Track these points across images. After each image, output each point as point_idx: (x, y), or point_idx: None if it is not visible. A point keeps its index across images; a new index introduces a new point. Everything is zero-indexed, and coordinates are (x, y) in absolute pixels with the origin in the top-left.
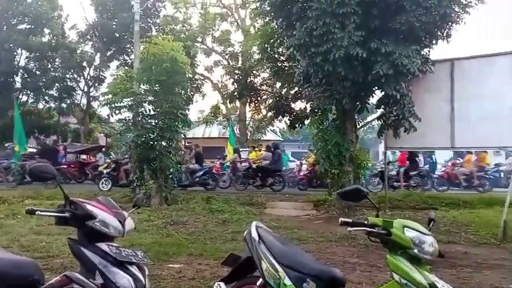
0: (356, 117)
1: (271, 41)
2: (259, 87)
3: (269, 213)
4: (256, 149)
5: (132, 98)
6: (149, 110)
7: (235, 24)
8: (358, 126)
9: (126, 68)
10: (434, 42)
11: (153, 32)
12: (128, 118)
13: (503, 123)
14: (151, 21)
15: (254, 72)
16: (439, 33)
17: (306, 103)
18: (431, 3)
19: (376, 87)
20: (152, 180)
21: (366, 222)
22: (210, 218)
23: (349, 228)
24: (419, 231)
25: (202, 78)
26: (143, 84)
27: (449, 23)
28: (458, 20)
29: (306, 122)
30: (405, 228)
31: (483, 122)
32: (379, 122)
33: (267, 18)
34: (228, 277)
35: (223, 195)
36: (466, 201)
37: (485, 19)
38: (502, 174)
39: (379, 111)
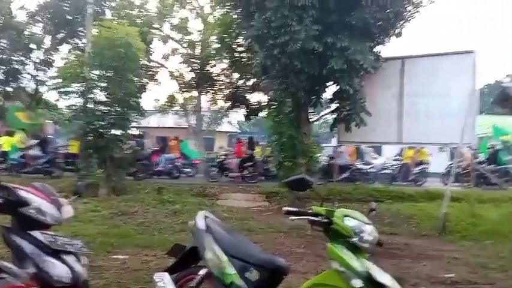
0: (311, 111)
1: (230, 31)
2: (216, 78)
3: (221, 204)
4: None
5: (82, 84)
6: (101, 97)
7: (195, 12)
8: (312, 120)
9: (77, 52)
10: (387, 39)
11: (108, 15)
12: (78, 104)
13: (448, 121)
14: (106, 5)
15: (212, 61)
16: (391, 30)
17: (263, 95)
18: (386, 1)
19: (331, 82)
20: (101, 170)
21: (309, 211)
22: (161, 208)
23: (292, 217)
24: (360, 221)
25: (158, 65)
26: (95, 70)
27: (402, 21)
28: (410, 18)
29: (262, 113)
30: (346, 218)
31: (430, 118)
32: (333, 116)
33: (226, 7)
34: (172, 267)
35: (176, 186)
36: (410, 194)
37: (436, 19)
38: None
39: (333, 105)
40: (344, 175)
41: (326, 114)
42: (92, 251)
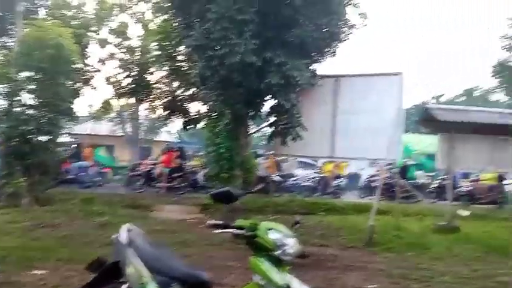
0: (250, 123)
1: (171, 38)
2: (155, 85)
3: (154, 216)
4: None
5: (8, 85)
6: (28, 100)
7: (135, 18)
8: (250, 132)
9: (5, 51)
10: (323, 57)
11: (42, 15)
12: (2, 107)
13: (377, 137)
14: (39, 3)
15: (151, 69)
16: (327, 49)
17: (202, 105)
18: (322, 21)
19: (269, 96)
20: (24, 178)
21: (233, 224)
22: (88, 220)
23: (215, 230)
24: (283, 234)
25: (93, 70)
26: (22, 71)
27: (337, 41)
28: (344, 39)
29: (201, 124)
30: (270, 231)
31: (361, 135)
32: (270, 129)
33: (167, 15)
34: (91, 283)
35: (107, 197)
36: (342, 207)
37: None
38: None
39: (271, 119)
40: (258, 186)
41: (264, 127)
42: (6, 267)
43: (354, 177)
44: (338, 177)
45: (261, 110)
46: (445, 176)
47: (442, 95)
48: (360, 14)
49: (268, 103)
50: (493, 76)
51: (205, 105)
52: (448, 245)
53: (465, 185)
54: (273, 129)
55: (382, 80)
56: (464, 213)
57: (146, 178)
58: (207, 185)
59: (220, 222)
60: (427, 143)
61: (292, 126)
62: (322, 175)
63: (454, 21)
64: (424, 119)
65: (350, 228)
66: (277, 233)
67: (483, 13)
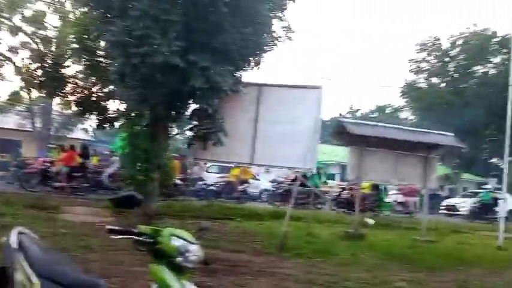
0: (171, 126)
1: (90, 32)
2: (69, 80)
3: (61, 218)
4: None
5: None
6: None
7: (53, 7)
8: (171, 135)
9: None
10: (248, 66)
11: None
12: None
13: (295, 147)
14: None
15: (67, 62)
16: (251, 58)
17: (119, 104)
18: (247, 30)
19: (191, 99)
20: None
21: (134, 230)
22: None
23: (114, 236)
24: (186, 240)
25: (3, 59)
26: None
27: (261, 51)
28: (268, 50)
29: (118, 123)
30: (172, 237)
31: (279, 143)
32: (191, 133)
33: (87, 7)
34: None
35: (3, 196)
36: (259, 213)
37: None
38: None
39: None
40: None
41: (186, 130)
42: None
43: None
44: (244, 182)
45: (184, 113)
46: (344, 186)
47: (358, 109)
48: (283, 27)
49: (193, 106)
50: (400, 96)
51: (123, 104)
52: (353, 251)
53: (343, 193)
54: (193, 133)
55: (302, 92)
56: (370, 221)
57: (42, 176)
58: (111, 186)
59: (119, 227)
60: (342, 154)
61: (214, 131)
62: (227, 180)
63: (374, 38)
64: (337, 132)
65: (265, 234)
66: (180, 240)
67: (402, 32)
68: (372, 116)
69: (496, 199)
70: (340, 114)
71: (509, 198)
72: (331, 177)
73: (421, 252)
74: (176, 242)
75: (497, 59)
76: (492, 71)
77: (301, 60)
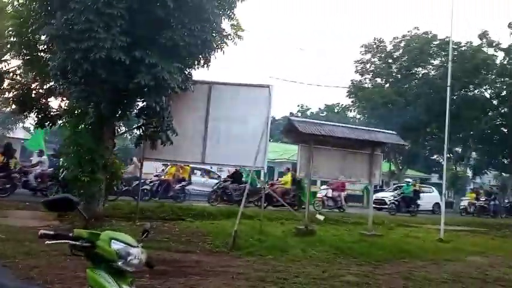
0: (118, 124)
1: (29, 25)
2: (7, 75)
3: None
4: None
5: None
6: None
7: None
8: (117, 134)
9: None
10: (197, 63)
11: None
12: None
13: (246, 145)
14: None
15: (4, 56)
16: (200, 56)
17: (61, 101)
18: (195, 27)
19: (138, 97)
20: None
21: (71, 234)
22: None
23: (48, 242)
24: (127, 243)
25: None
26: None
27: (210, 49)
28: (217, 48)
29: (60, 122)
30: (112, 241)
31: (230, 142)
32: (139, 132)
33: None
34: None
35: None
36: (211, 212)
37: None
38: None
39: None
40: None
41: (132, 129)
42: None
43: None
44: (182, 180)
45: (131, 111)
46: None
47: (309, 108)
48: (232, 25)
49: (139, 104)
50: (347, 96)
51: (66, 102)
52: (304, 247)
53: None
54: (141, 132)
55: (252, 90)
56: (320, 217)
57: None
58: (38, 187)
59: (53, 232)
60: (294, 152)
61: (162, 129)
62: (162, 179)
63: (323, 38)
64: (287, 130)
65: (217, 233)
66: (120, 243)
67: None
68: (322, 114)
69: (417, 192)
70: (291, 113)
71: (434, 192)
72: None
73: (368, 246)
74: (116, 246)
75: (436, 61)
76: (432, 73)
77: (252, 59)
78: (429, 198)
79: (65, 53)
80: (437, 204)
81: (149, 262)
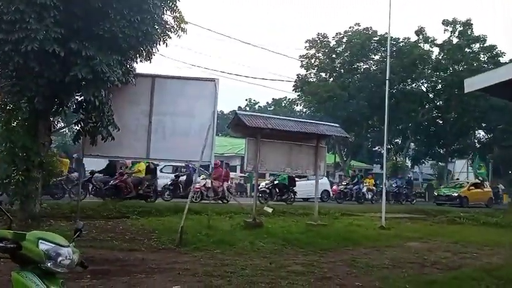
0: (54, 120)
1: None
2: None
3: None
4: None
5: None
6: None
7: None
8: (53, 130)
9: None
10: (139, 56)
11: None
12: None
13: (192, 140)
14: None
15: None
16: (141, 48)
17: None
18: (135, 18)
19: (75, 91)
20: None
21: None
22: None
23: None
24: (56, 243)
25: None
26: None
27: (151, 42)
28: (159, 40)
29: None
30: (40, 241)
31: (175, 136)
32: (77, 127)
33: None
34: None
35: None
36: (158, 209)
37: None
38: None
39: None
40: None
41: (70, 125)
42: None
43: None
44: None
45: (68, 106)
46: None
47: (257, 102)
48: (175, 18)
49: (76, 99)
50: (293, 90)
51: None
52: (252, 240)
53: (112, 180)
54: (80, 127)
55: (197, 84)
56: (269, 210)
57: None
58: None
59: None
60: (242, 146)
61: (102, 125)
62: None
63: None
64: (235, 124)
65: (163, 230)
66: (48, 244)
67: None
68: (270, 109)
69: (292, 179)
70: (239, 107)
71: (323, 179)
72: (233, 168)
73: (314, 235)
74: (43, 246)
75: (377, 56)
76: (373, 67)
77: (197, 53)
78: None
79: None
80: (326, 192)
81: (83, 262)
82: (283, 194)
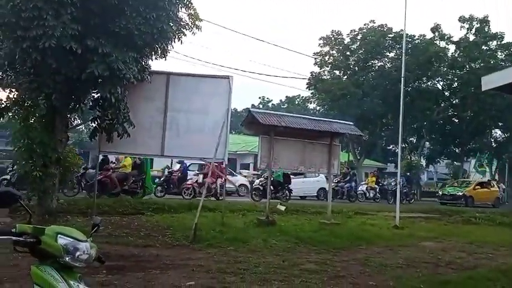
0: (71, 116)
1: None
2: None
3: None
4: None
5: None
6: None
7: None
8: (71, 126)
9: None
10: (154, 53)
11: None
12: None
13: (206, 137)
14: None
15: None
16: (156, 45)
17: (9, 93)
18: (150, 16)
19: (92, 88)
20: None
21: (13, 230)
22: None
23: None
24: (75, 238)
25: None
26: None
27: (167, 39)
28: (174, 37)
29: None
30: (59, 236)
31: (190, 134)
32: (94, 124)
33: None
34: None
35: None
36: (172, 206)
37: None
38: None
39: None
40: None
41: (87, 122)
42: None
43: None
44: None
45: (84, 103)
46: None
47: (271, 100)
48: (189, 15)
49: (93, 96)
50: (307, 88)
51: (15, 93)
52: (265, 237)
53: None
54: (96, 124)
55: (211, 81)
56: (282, 208)
57: None
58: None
59: None
60: (255, 144)
61: (118, 122)
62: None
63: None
64: (248, 122)
65: (178, 226)
66: (67, 238)
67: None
68: (283, 106)
69: (287, 177)
70: (253, 105)
71: (320, 177)
72: (246, 166)
73: (327, 234)
74: (62, 240)
75: (392, 54)
76: (388, 65)
77: (212, 51)
78: (313, 183)
79: (12, 42)
80: (323, 189)
81: (100, 257)
82: (278, 191)
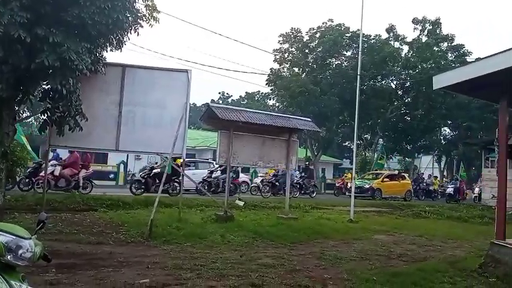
0: (19, 109)
1: None
2: None
3: None
4: None
5: None
6: None
7: None
8: (18, 119)
9: None
10: (109, 44)
11: None
12: None
13: (163, 132)
14: None
15: None
16: (111, 36)
17: None
18: (105, 5)
19: (42, 79)
20: None
21: None
22: None
23: None
24: (17, 236)
25: None
26: None
27: (122, 30)
28: (130, 28)
29: None
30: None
31: (146, 128)
32: (43, 117)
33: None
34: None
35: None
36: (127, 202)
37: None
38: None
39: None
40: None
41: (37, 115)
42: None
43: None
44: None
45: (34, 94)
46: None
47: (230, 96)
48: (147, 6)
49: (43, 87)
50: (266, 84)
51: None
52: (222, 233)
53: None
54: (46, 117)
55: (169, 74)
56: (240, 203)
57: None
58: None
59: None
60: (214, 139)
61: (70, 114)
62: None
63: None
64: (207, 117)
65: (132, 223)
66: (8, 236)
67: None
68: (243, 102)
69: (175, 170)
70: (212, 100)
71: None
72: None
73: (285, 229)
74: (3, 238)
75: (349, 53)
76: (345, 64)
77: (172, 45)
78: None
79: None
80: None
81: (46, 255)
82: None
